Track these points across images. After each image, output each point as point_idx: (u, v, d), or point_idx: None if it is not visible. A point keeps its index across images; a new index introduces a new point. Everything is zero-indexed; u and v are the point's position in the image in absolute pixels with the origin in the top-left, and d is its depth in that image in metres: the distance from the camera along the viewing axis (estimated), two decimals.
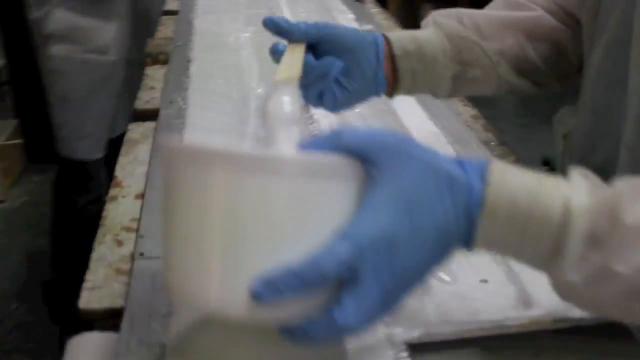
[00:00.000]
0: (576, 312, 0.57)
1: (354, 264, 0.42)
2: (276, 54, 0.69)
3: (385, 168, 0.44)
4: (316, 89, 0.71)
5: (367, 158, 0.44)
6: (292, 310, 0.43)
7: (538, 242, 0.45)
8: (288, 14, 1.53)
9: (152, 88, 1.16)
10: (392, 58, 0.74)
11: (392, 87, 0.75)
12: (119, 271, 0.68)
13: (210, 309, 0.44)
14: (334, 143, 0.44)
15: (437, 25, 0.77)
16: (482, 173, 0.46)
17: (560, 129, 0.78)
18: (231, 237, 0.43)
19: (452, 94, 0.78)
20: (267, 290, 0.41)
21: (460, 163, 0.46)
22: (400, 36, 0.75)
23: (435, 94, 0.79)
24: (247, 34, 1.39)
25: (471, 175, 0.45)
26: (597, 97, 0.67)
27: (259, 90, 1.09)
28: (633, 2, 0.60)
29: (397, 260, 0.43)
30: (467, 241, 0.46)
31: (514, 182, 0.45)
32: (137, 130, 1.00)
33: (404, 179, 0.44)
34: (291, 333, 0.44)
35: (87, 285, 0.66)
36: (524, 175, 0.46)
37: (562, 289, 0.47)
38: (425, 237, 0.44)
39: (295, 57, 0.67)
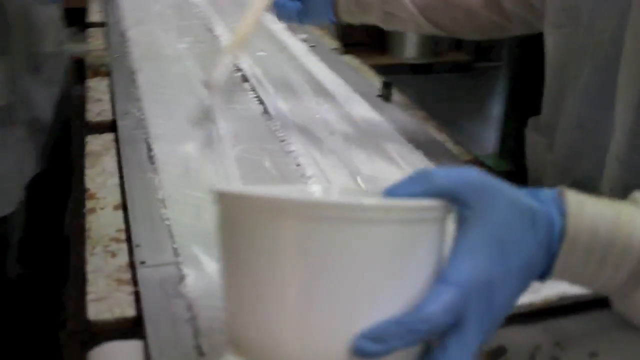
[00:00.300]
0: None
1: (459, 309, 0.42)
2: None
3: (479, 208, 0.43)
4: (283, 20, 1.01)
5: (460, 199, 0.43)
6: None
7: (617, 269, 0.46)
8: (220, 25, 1.54)
9: (100, 100, 1.13)
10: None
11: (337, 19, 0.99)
12: (120, 281, 0.67)
13: None
14: (424, 185, 0.43)
15: None
16: (559, 205, 0.46)
17: (534, 138, 0.83)
18: (320, 292, 0.40)
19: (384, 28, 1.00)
20: (374, 345, 0.40)
21: (534, 194, 0.47)
22: None
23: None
24: (184, 45, 1.39)
25: (549, 208, 0.46)
26: (583, 111, 0.72)
27: None
28: (624, 20, 0.64)
29: (494, 300, 0.43)
30: (544, 273, 0.47)
31: (592, 212, 0.46)
32: (96, 143, 0.98)
33: (495, 218, 0.44)
34: None
35: (90, 297, 0.65)
36: (599, 203, 0.47)
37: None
38: (515, 274, 0.44)
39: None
